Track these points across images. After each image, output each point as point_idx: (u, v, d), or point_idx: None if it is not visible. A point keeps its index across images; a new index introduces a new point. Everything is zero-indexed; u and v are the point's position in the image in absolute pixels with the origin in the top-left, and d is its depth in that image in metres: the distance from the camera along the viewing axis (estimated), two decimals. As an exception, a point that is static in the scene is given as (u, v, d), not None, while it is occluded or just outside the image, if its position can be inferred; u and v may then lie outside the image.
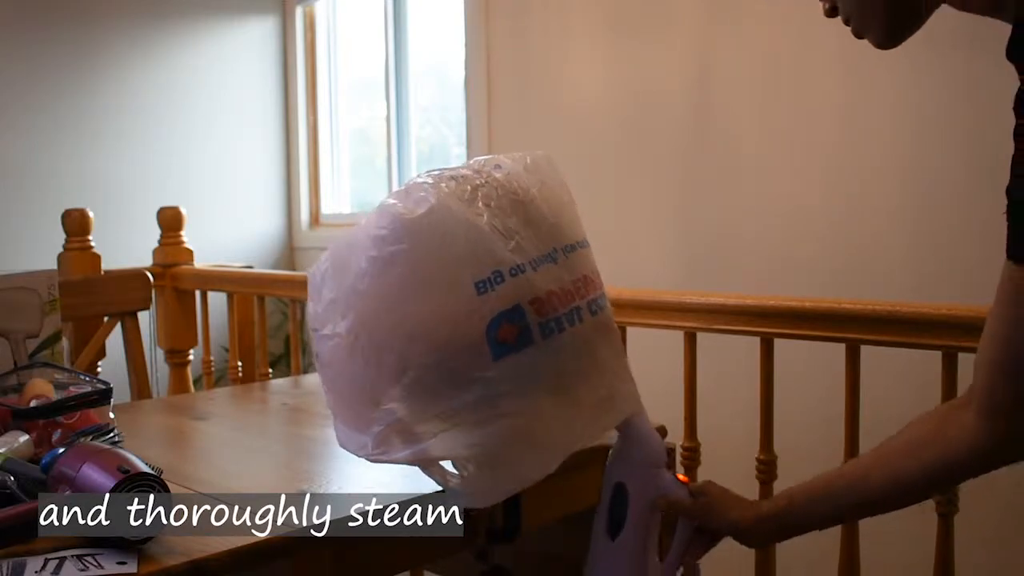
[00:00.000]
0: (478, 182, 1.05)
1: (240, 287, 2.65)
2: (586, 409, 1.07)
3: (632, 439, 1.16)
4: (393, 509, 1.07)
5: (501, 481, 1.04)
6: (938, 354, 1.48)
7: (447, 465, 1.05)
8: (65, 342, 1.52)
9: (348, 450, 1.07)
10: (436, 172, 1.06)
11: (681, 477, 1.19)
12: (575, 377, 1.05)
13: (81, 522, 0.92)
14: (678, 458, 1.60)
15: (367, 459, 1.05)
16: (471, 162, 1.09)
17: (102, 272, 2.47)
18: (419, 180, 1.05)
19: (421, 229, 1.00)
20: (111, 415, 1.24)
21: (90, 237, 2.51)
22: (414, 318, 1.01)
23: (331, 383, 1.10)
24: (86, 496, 0.91)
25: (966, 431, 1.02)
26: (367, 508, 1.08)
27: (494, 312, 0.99)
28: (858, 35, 1.00)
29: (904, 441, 1.07)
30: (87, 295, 1.99)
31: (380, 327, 1.02)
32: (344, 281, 1.04)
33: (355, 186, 4.60)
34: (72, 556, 0.89)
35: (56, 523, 0.92)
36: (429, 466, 1.05)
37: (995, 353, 0.99)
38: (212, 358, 2.87)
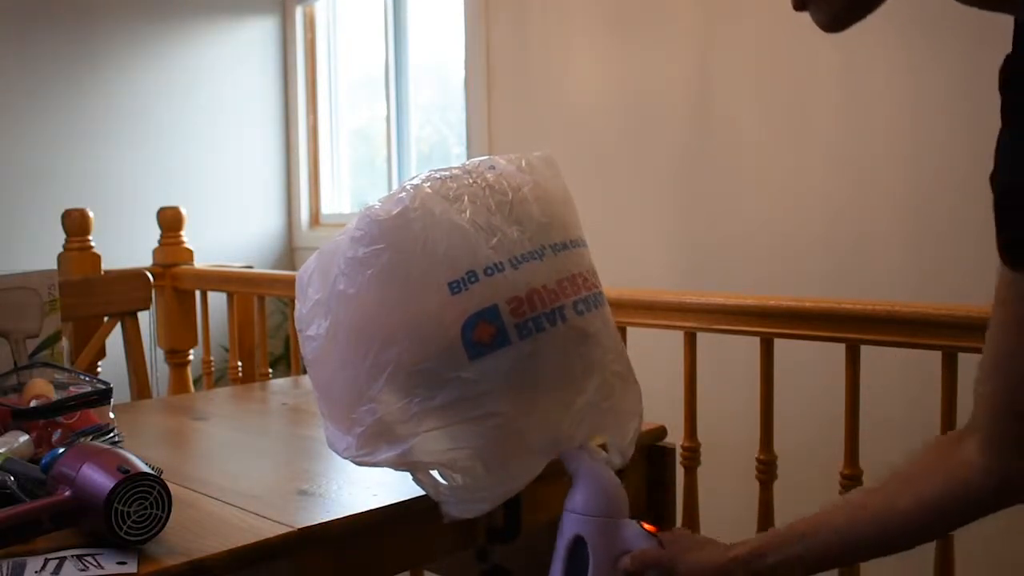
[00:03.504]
0: (467, 181, 1.05)
1: (240, 287, 2.65)
2: (572, 411, 1.04)
3: (588, 486, 1.05)
4: (393, 509, 1.07)
5: (489, 487, 1.03)
6: (938, 354, 1.48)
7: (436, 474, 1.05)
8: (65, 342, 1.52)
9: (335, 451, 1.07)
10: (429, 172, 1.07)
11: (648, 527, 1.06)
12: (558, 378, 1.03)
13: (81, 522, 0.92)
14: (678, 458, 1.60)
15: (352, 460, 1.05)
16: (467, 163, 1.10)
17: (102, 272, 2.47)
18: (408, 181, 1.05)
19: (396, 229, 1.00)
20: (111, 415, 1.24)
21: (90, 237, 2.51)
22: (390, 319, 1.01)
23: (317, 384, 1.10)
24: (86, 496, 0.91)
25: (969, 467, 0.92)
26: (367, 508, 1.08)
27: (468, 312, 0.99)
28: (800, 6, 0.89)
29: (899, 478, 0.98)
30: (87, 295, 1.99)
31: (357, 328, 1.02)
32: (327, 282, 1.04)
33: (355, 186, 4.60)
34: (72, 556, 0.89)
35: (56, 523, 0.92)
36: (417, 473, 1.05)
37: (998, 380, 0.88)
38: (212, 358, 2.87)
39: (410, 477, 1.06)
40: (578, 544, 1.04)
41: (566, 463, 1.07)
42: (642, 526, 1.06)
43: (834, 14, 0.85)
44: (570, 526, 1.05)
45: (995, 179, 0.81)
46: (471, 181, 1.05)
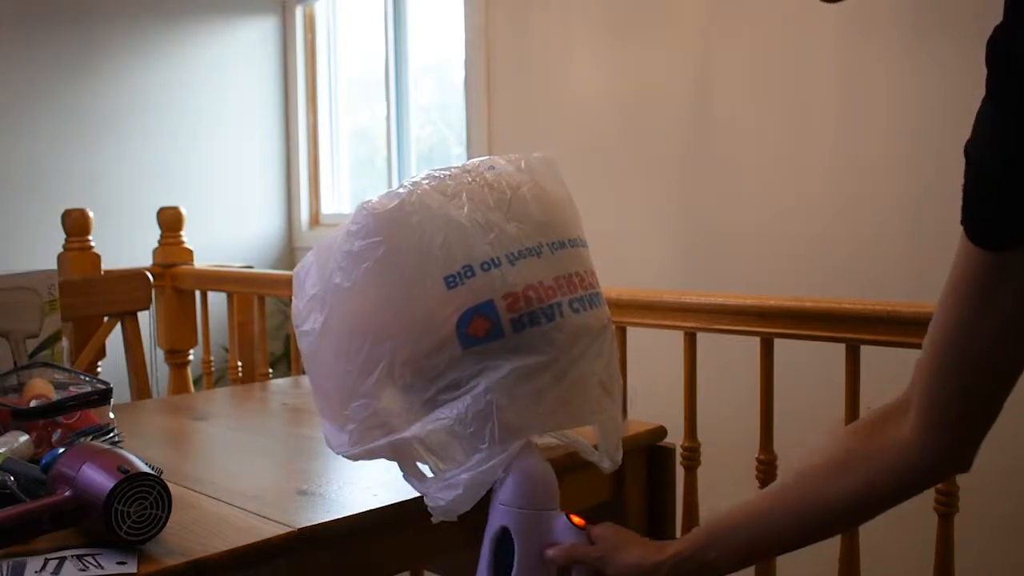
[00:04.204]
0: (466, 180, 1.05)
1: (240, 287, 2.65)
2: (550, 397, 1.03)
3: (517, 476, 1.02)
4: (393, 509, 1.08)
5: (465, 470, 1.01)
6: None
7: (425, 470, 1.05)
8: (65, 342, 1.52)
9: (331, 447, 1.07)
10: (429, 172, 1.07)
11: (576, 520, 1.03)
12: (543, 368, 1.02)
13: (81, 522, 0.93)
14: (678, 458, 1.60)
15: (346, 456, 1.05)
16: (467, 163, 1.10)
17: (102, 272, 2.47)
18: (407, 180, 1.05)
19: (393, 223, 1.00)
20: (111, 415, 1.24)
21: (90, 237, 2.51)
22: (385, 313, 1.01)
23: (313, 379, 1.10)
24: (86, 496, 0.91)
25: (901, 444, 0.91)
26: (367, 508, 1.08)
27: (465, 307, 0.99)
28: None
29: (830, 458, 0.96)
30: (87, 295, 1.98)
31: (353, 322, 1.02)
32: (323, 277, 1.04)
33: (355, 186, 4.60)
34: (72, 556, 0.89)
35: (56, 523, 0.92)
36: (405, 466, 1.05)
37: (945, 354, 0.87)
38: (212, 358, 2.87)
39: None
40: (504, 536, 1.01)
41: None
42: (571, 519, 1.03)
43: None
44: (496, 518, 1.02)
45: (969, 150, 0.81)
46: (470, 180, 1.06)
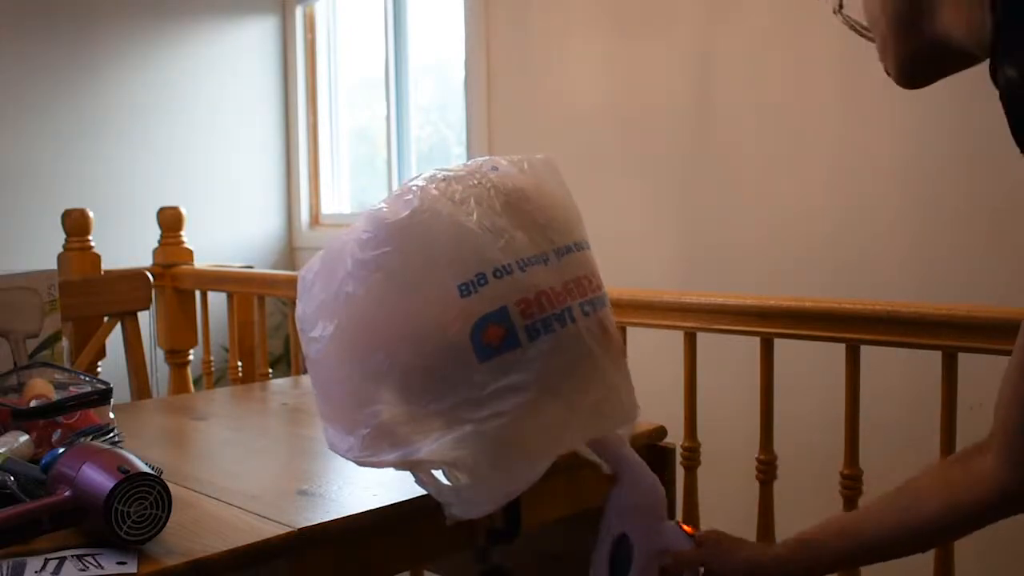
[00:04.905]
0: (472, 183, 1.05)
1: (240, 287, 2.65)
2: (577, 412, 1.05)
3: (630, 487, 1.15)
4: (393, 509, 1.08)
5: (492, 487, 1.02)
6: (938, 354, 1.48)
7: (438, 475, 1.05)
8: (65, 342, 1.52)
9: (337, 452, 1.07)
10: (432, 173, 1.07)
11: (685, 527, 1.17)
12: (565, 379, 1.03)
13: (81, 522, 0.93)
14: (678, 458, 1.60)
15: (355, 461, 1.05)
16: (469, 163, 1.09)
17: (102, 272, 2.47)
18: (411, 182, 1.05)
19: (404, 231, 1.00)
20: (111, 415, 1.24)
21: (90, 237, 2.51)
22: (398, 321, 1.00)
23: (319, 384, 1.10)
24: (86, 496, 0.91)
25: (986, 476, 0.99)
26: (367, 508, 1.08)
27: (478, 314, 0.98)
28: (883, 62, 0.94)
29: (922, 485, 1.05)
30: (87, 295, 1.99)
31: (365, 330, 1.02)
32: (332, 283, 1.04)
33: (355, 186, 4.60)
34: (72, 556, 0.89)
35: (56, 523, 0.92)
36: (420, 473, 1.05)
37: (1019, 392, 0.94)
38: (212, 358, 2.87)
39: (411, 477, 1.06)
40: (623, 541, 1.13)
41: (606, 458, 1.14)
42: (680, 527, 1.16)
43: (898, 74, 0.94)
44: (617, 523, 1.14)
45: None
46: (475, 182, 1.05)
